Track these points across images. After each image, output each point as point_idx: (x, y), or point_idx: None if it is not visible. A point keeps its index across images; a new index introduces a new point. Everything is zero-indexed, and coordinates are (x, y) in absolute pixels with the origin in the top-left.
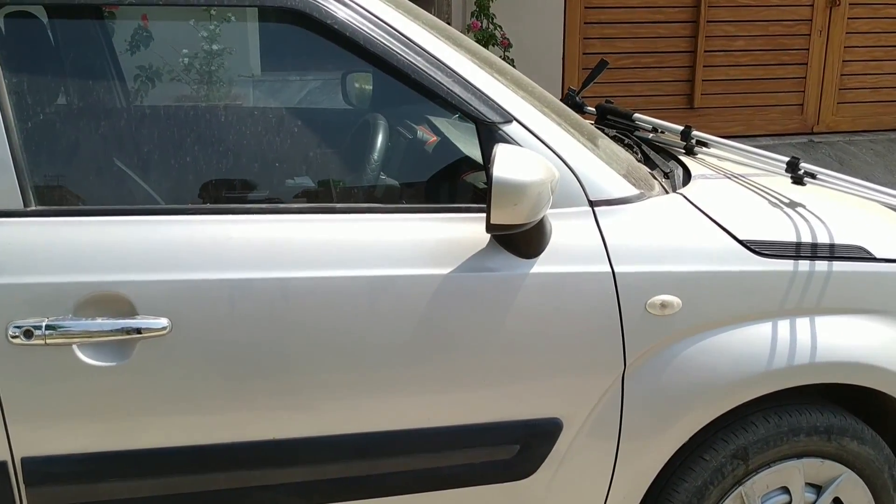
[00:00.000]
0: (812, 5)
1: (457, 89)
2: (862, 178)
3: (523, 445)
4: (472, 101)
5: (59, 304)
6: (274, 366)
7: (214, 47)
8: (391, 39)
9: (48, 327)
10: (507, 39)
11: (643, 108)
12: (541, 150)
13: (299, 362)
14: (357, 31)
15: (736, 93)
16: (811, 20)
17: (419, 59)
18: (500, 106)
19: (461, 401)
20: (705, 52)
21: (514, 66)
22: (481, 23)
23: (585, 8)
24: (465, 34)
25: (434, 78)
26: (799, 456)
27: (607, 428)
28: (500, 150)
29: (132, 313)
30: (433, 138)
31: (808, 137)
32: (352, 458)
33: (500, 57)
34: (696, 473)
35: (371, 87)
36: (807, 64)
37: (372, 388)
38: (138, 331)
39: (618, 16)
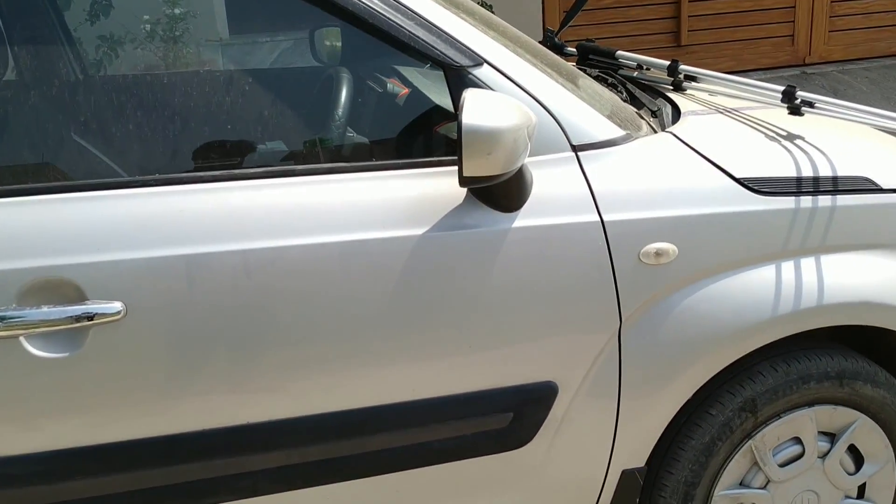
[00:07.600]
0: None
1: (420, 33)
2: None
3: (517, 413)
4: (437, 44)
5: (0, 294)
6: (241, 345)
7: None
8: None
9: None
10: None
11: (628, 48)
12: (516, 93)
13: (268, 339)
14: None
15: (724, 27)
16: None
17: (376, 1)
18: (468, 48)
19: (447, 369)
20: None
21: (491, 9)
22: None
23: None
24: None
25: (394, 21)
26: (810, 404)
27: (606, 388)
28: (468, 95)
29: (81, 299)
30: (405, 90)
31: (800, 69)
32: (333, 437)
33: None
34: (702, 430)
35: (340, 44)
36: None
37: (349, 362)
38: (89, 317)
39: None
